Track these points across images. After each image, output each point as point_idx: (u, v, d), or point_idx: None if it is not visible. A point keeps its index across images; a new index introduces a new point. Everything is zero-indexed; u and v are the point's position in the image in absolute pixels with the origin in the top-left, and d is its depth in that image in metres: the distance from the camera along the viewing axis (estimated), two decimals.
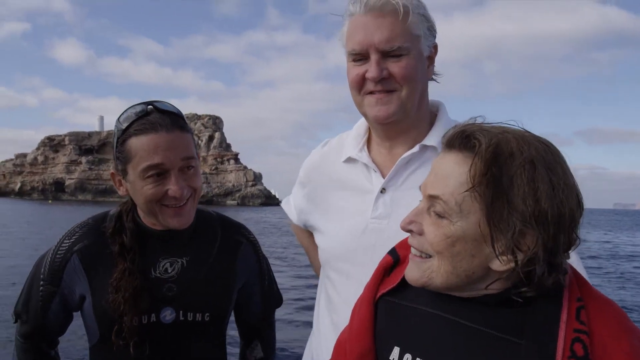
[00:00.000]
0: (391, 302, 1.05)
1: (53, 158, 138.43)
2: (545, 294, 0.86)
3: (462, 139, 0.89)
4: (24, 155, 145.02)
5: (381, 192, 1.45)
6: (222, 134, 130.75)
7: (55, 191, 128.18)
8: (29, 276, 1.53)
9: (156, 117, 1.36)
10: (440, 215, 0.89)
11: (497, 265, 0.86)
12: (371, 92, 1.39)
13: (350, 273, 1.48)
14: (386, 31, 1.32)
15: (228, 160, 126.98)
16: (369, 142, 1.56)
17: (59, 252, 1.47)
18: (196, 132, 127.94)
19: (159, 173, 1.34)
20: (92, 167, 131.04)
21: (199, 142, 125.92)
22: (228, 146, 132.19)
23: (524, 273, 0.84)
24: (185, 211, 1.41)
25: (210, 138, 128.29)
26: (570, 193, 0.84)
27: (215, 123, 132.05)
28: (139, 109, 1.38)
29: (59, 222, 31.65)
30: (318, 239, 1.65)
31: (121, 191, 1.47)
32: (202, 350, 1.55)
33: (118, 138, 1.39)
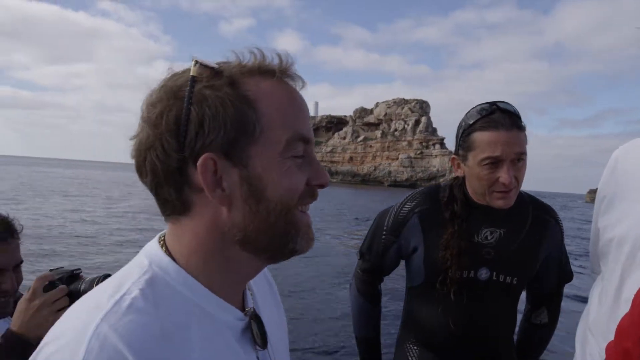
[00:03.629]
0: None
1: None
2: None
3: None
4: None
5: None
6: (429, 118, 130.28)
7: None
8: (372, 225, 1.92)
9: (499, 117, 1.60)
10: None
11: None
12: None
13: None
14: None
15: (433, 145, 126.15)
16: None
17: (402, 211, 1.82)
18: (403, 116, 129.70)
19: (494, 162, 1.59)
20: None
21: (405, 126, 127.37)
22: (434, 131, 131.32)
23: None
24: (510, 196, 1.64)
25: (417, 122, 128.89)
26: None
27: (422, 107, 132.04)
28: (483, 108, 1.63)
29: None
30: (610, 229, 1.67)
31: (458, 173, 1.75)
32: (504, 306, 1.79)
33: (464, 131, 1.67)
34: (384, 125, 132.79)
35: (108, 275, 1.22)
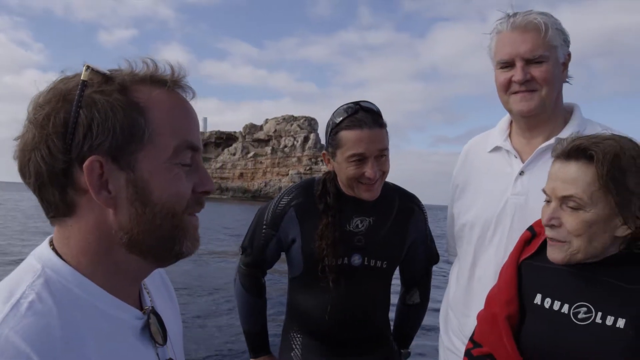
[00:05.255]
0: (532, 264, 1.41)
1: None
2: None
3: (579, 151, 1.21)
4: None
5: (520, 174, 1.73)
6: (317, 134, 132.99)
7: None
8: (253, 221, 1.98)
9: (362, 116, 1.72)
10: (575, 208, 1.22)
11: (621, 232, 1.20)
12: (516, 92, 1.69)
13: (491, 239, 1.78)
14: (529, 43, 1.63)
15: (322, 161, 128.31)
16: (510, 135, 1.85)
17: (279, 205, 1.90)
18: (292, 133, 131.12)
19: (360, 159, 1.72)
20: None
21: (295, 143, 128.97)
22: (322, 147, 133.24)
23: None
24: (375, 188, 1.78)
25: (306, 139, 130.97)
26: None
27: (311, 124, 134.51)
28: (349, 107, 1.76)
29: None
30: (462, 215, 1.94)
31: (329, 167, 1.88)
32: (378, 290, 1.95)
33: (332, 129, 1.78)
34: (274, 141, 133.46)
35: None
